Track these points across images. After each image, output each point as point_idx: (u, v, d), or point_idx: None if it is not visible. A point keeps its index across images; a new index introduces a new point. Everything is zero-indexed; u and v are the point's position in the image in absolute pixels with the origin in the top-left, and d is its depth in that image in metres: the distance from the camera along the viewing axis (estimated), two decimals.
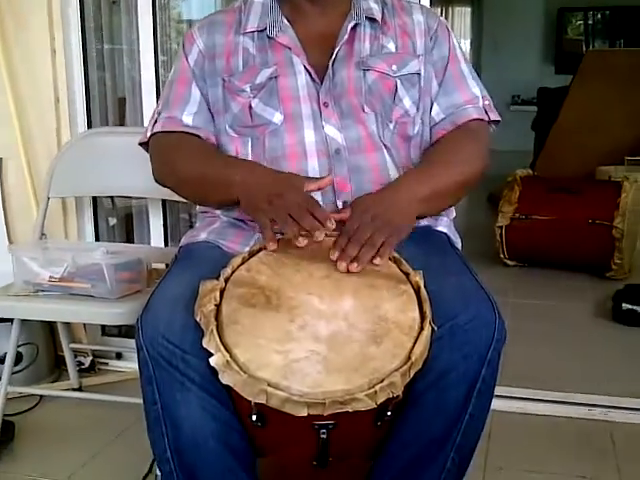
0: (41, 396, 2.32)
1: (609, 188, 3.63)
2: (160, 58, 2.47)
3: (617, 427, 2.14)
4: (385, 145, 1.42)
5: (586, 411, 2.21)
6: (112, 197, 2.71)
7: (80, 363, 2.52)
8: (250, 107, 1.42)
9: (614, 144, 4.50)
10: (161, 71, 2.46)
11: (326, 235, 1.22)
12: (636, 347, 2.75)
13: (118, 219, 2.76)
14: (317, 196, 1.35)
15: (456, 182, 1.39)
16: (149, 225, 2.55)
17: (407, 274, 1.21)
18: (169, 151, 1.47)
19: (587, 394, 2.27)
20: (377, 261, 1.20)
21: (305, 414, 1.02)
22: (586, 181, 4.04)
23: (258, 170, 1.36)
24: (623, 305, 2.97)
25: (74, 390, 2.39)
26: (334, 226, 1.21)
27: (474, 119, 1.47)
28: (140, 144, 1.55)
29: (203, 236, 1.44)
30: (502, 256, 3.81)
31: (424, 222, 1.47)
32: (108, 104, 2.65)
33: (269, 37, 1.45)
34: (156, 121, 1.49)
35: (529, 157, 5.61)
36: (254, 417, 1.10)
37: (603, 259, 3.53)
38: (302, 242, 1.19)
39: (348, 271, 1.18)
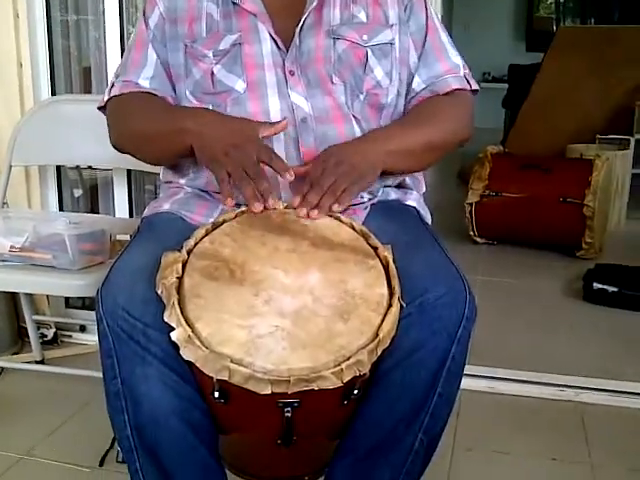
0: (2, 368, 2.29)
1: (581, 166, 3.62)
2: (126, 28, 2.41)
3: (588, 408, 2.14)
4: (354, 116, 1.38)
5: (556, 391, 2.21)
6: (78, 169, 2.66)
7: (43, 335, 2.49)
8: (212, 73, 1.37)
9: (585, 122, 4.51)
10: (127, 42, 2.39)
11: (289, 207, 1.19)
12: (607, 327, 2.76)
13: (84, 191, 2.71)
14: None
15: (427, 143, 1.36)
16: (114, 197, 2.50)
17: (375, 248, 1.18)
18: (124, 111, 1.43)
19: (557, 374, 2.26)
20: (335, 207, 1.18)
21: (269, 392, 0.99)
22: (557, 158, 4.05)
23: (212, 118, 1.32)
24: (594, 284, 2.97)
25: (36, 363, 2.36)
26: (293, 178, 1.18)
27: (455, 89, 1.43)
28: (99, 109, 1.51)
29: (166, 207, 1.40)
30: (471, 233, 3.81)
31: (393, 196, 1.44)
32: (73, 73, 2.58)
33: (234, 3, 1.39)
34: (113, 85, 1.45)
35: (499, 134, 5.62)
36: (216, 394, 1.07)
37: (574, 238, 3.53)
38: (257, 207, 1.16)
39: (308, 217, 1.17)
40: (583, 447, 1.93)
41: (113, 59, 2.40)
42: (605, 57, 4.61)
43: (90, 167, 2.72)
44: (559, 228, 3.55)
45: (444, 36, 1.48)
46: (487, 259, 3.60)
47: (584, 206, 3.44)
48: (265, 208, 1.17)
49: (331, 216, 1.21)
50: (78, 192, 2.70)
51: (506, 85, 6.45)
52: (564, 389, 2.21)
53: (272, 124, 1.29)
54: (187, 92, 1.41)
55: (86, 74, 2.61)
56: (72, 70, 2.57)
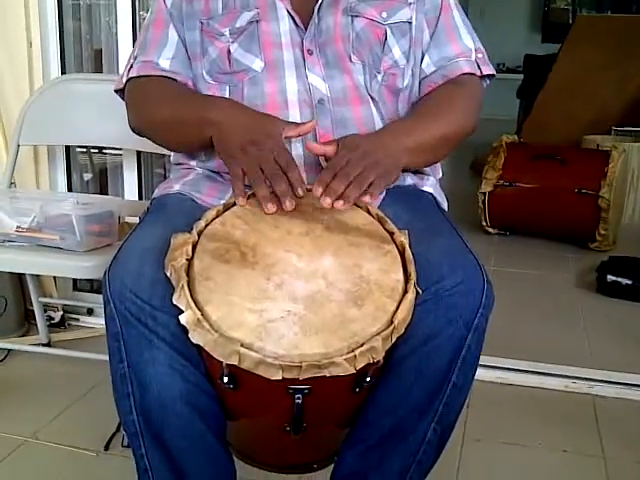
0: (8, 350, 2.27)
1: (597, 157, 3.58)
2: (138, 13, 2.38)
3: (600, 401, 2.11)
4: (372, 97, 1.35)
5: (569, 383, 2.17)
6: (89, 152, 2.64)
7: (50, 318, 2.47)
8: (229, 52, 1.34)
9: (601, 113, 4.46)
10: (138, 25, 2.37)
11: (307, 190, 1.15)
12: (620, 319, 2.72)
13: (93, 174, 2.69)
14: (299, 150, 1.29)
15: (442, 137, 1.33)
16: (123, 181, 2.47)
17: (391, 233, 1.15)
18: (144, 96, 1.39)
19: (570, 366, 2.23)
20: (367, 199, 1.12)
21: (280, 377, 0.97)
22: (573, 149, 3.99)
23: (235, 109, 1.28)
24: (608, 277, 2.94)
25: (43, 345, 2.34)
26: (304, 194, 1.14)
27: (465, 73, 1.40)
28: (116, 91, 1.47)
29: (176, 188, 1.37)
30: (484, 223, 3.76)
31: (409, 181, 1.41)
32: (84, 55, 2.55)
33: None
34: (131, 66, 1.41)
35: (513, 125, 5.56)
36: (225, 379, 1.05)
37: (587, 230, 3.49)
38: (270, 209, 1.12)
39: (332, 207, 1.10)
40: (595, 440, 1.90)
41: (125, 43, 2.37)
42: (623, 47, 4.54)
43: (100, 151, 2.70)
44: (573, 219, 3.51)
45: (458, 17, 1.44)
46: (499, 250, 3.56)
47: (599, 198, 3.39)
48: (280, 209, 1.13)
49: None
50: (87, 176, 2.69)
51: (520, 76, 6.39)
52: (576, 381, 2.17)
53: (298, 124, 1.25)
54: (204, 72, 1.37)
55: (97, 57, 2.58)
56: (83, 52, 2.54)
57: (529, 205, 3.58)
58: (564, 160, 3.57)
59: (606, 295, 2.93)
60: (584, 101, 4.48)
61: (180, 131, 1.33)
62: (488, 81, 1.46)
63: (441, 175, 1.50)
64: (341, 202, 1.10)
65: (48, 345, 2.35)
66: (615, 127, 4.34)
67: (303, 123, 1.26)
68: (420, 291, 1.08)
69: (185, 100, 1.34)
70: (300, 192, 1.13)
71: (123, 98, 1.45)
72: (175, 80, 1.38)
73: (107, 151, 2.70)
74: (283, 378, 0.97)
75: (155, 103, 1.36)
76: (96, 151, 2.77)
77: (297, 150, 1.29)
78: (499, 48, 7.67)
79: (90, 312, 2.53)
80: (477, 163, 4.73)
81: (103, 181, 2.70)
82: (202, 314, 1.00)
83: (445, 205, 1.45)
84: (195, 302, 1.01)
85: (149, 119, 1.38)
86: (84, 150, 2.70)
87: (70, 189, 2.51)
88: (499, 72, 7.95)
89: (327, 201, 1.10)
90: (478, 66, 1.42)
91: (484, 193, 3.68)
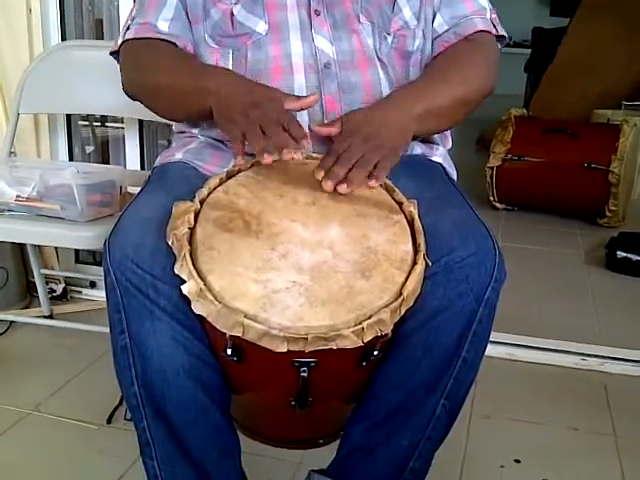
0: (10, 322, 2.26)
1: (607, 131, 3.52)
2: None
3: (611, 378, 2.08)
4: (381, 60, 1.30)
5: (579, 360, 2.15)
6: (91, 125, 2.60)
7: (52, 290, 2.44)
8: (232, 14, 1.29)
9: (611, 88, 4.39)
10: None
11: (309, 158, 1.12)
12: (630, 295, 2.69)
13: (95, 146, 2.65)
14: (304, 116, 1.25)
15: (455, 101, 1.28)
16: (125, 152, 2.43)
17: (400, 203, 1.11)
18: (140, 59, 1.35)
19: (580, 343, 2.20)
20: (373, 183, 1.09)
21: (285, 350, 0.94)
22: (583, 123, 3.93)
23: (235, 79, 1.24)
24: (618, 253, 2.91)
25: (45, 317, 2.32)
26: (309, 146, 1.11)
27: (480, 31, 1.34)
28: (111, 54, 1.43)
29: (178, 156, 1.33)
30: (491, 199, 3.72)
31: (418, 151, 1.37)
32: (84, 25, 2.49)
33: None
34: (128, 28, 1.36)
35: (520, 101, 5.48)
36: (229, 351, 1.02)
37: (597, 205, 3.44)
38: (267, 158, 1.08)
39: (335, 191, 1.08)
40: (606, 417, 1.87)
41: (126, 13, 2.29)
42: (634, 21, 4.46)
43: (102, 123, 2.67)
44: (582, 195, 3.46)
45: None
46: (507, 225, 3.51)
47: (609, 172, 3.34)
48: (277, 160, 1.08)
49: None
50: (89, 148, 2.65)
51: (527, 50, 6.28)
52: (586, 358, 2.14)
53: (299, 97, 1.20)
54: (206, 35, 1.33)
55: (98, 26, 2.53)
56: (83, 23, 2.49)
57: (538, 180, 3.53)
58: (574, 134, 3.51)
59: (616, 271, 2.90)
60: (594, 76, 4.41)
61: (175, 99, 1.29)
62: (500, 45, 1.41)
63: (451, 146, 1.46)
64: (344, 185, 1.08)
65: (50, 317, 2.34)
66: (626, 102, 4.28)
67: (305, 96, 1.21)
68: (430, 263, 1.04)
69: (182, 67, 1.30)
70: (304, 144, 1.09)
71: (118, 60, 1.40)
72: (173, 44, 1.34)
73: (109, 124, 2.67)
74: (288, 350, 0.95)
75: (150, 68, 1.32)
76: (98, 124, 2.74)
77: (302, 119, 1.24)
78: (506, 21, 7.40)
79: (92, 285, 2.51)
80: (483, 138, 4.68)
81: (105, 152, 2.66)
82: (205, 284, 0.97)
83: (455, 176, 1.41)
84: (197, 272, 0.98)
85: (144, 83, 1.34)
86: (86, 123, 2.67)
87: (71, 160, 2.47)
88: (506, 46, 7.90)
89: (329, 184, 1.08)
90: (493, 25, 1.37)
91: (492, 167, 3.63)
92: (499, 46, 1.40)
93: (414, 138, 1.25)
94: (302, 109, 1.20)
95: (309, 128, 1.21)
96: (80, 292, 2.52)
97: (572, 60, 4.60)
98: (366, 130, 1.14)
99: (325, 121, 1.25)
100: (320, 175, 1.09)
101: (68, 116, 2.42)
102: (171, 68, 1.30)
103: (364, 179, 1.09)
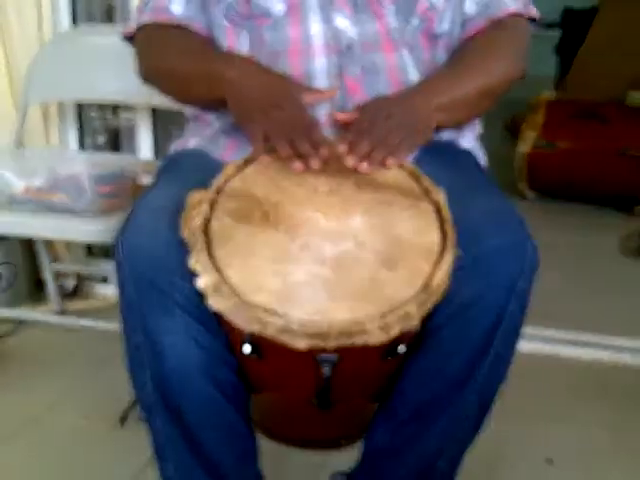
0: (20, 320, 2.22)
1: None
2: None
3: None
4: (406, 43, 1.25)
5: (615, 355, 2.08)
6: (104, 115, 2.55)
7: (63, 286, 2.40)
8: None
9: None
10: None
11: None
12: None
13: (107, 136, 2.61)
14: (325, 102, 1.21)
15: (481, 92, 1.24)
16: (138, 144, 2.39)
17: (427, 191, 1.06)
18: (156, 43, 1.32)
19: (614, 336, 2.14)
20: (390, 161, 1.06)
21: (305, 346, 0.91)
22: (618, 107, 3.79)
23: (251, 69, 1.20)
24: None
25: (56, 314, 2.28)
26: (327, 154, 1.07)
27: (512, 14, 1.29)
28: (124, 39, 1.39)
29: (193, 143, 1.30)
30: (521, 187, 3.59)
31: (446, 137, 1.32)
32: (95, 11, 2.42)
33: None
34: (142, 11, 1.33)
35: (550, 84, 5.37)
36: (247, 348, 0.98)
37: (632, 193, 3.34)
38: (298, 167, 1.05)
39: (356, 170, 1.05)
40: None
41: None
42: None
43: (114, 113, 2.62)
44: (616, 182, 3.35)
45: None
46: (538, 215, 3.38)
47: None
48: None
49: None
50: (101, 138, 2.61)
51: (557, 32, 6.20)
52: (621, 352, 2.08)
53: (318, 91, 1.19)
54: (221, 16, 1.28)
55: (109, 11, 2.47)
56: (94, 9, 2.42)
57: (570, 167, 3.40)
58: (608, 119, 3.41)
59: None
60: (628, 56, 4.28)
61: (194, 86, 1.26)
62: (532, 27, 1.36)
63: (480, 132, 1.41)
64: (365, 164, 1.05)
65: (61, 314, 2.30)
66: None
67: (323, 91, 1.19)
68: (458, 253, 0.99)
69: (200, 54, 1.27)
70: (324, 152, 1.06)
71: (132, 45, 1.38)
72: (188, 27, 1.30)
73: (122, 115, 2.62)
74: (309, 347, 0.91)
75: (168, 54, 1.29)
76: (111, 116, 2.70)
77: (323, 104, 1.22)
78: (536, 3, 7.47)
79: (105, 280, 2.47)
80: (512, 124, 4.57)
81: (117, 142, 2.61)
82: (221, 278, 0.93)
83: (484, 162, 1.37)
84: (213, 265, 0.94)
85: (162, 69, 1.31)
86: (98, 114, 2.63)
87: (82, 150, 2.43)
88: (536, 28, 7.78)
89: (351, 160, 1.06)
90: (524, 6, 1.32)
91: (521, 154, 3.51)
92: (531, 27, 1.35)
93: (440, 129, 1.22)
94: (321, 102, 1.18)
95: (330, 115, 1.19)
96: (92, 288, 2.48)
97: (604, 41, 4.47)
98: (390, 110, 1.13)
99: (348, 105, 1.21)
100: (343, 149, 1.06)
101: (79, 105, 2.38)
102: (188, 53, 1.27)
103: (387, 157, 1.07)
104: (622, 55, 4.21)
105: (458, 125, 1.30)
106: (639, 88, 4.00)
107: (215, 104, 1.25)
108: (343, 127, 1.17)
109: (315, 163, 1.05)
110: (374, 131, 1.08)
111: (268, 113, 1.11)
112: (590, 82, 4.16)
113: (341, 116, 1.17)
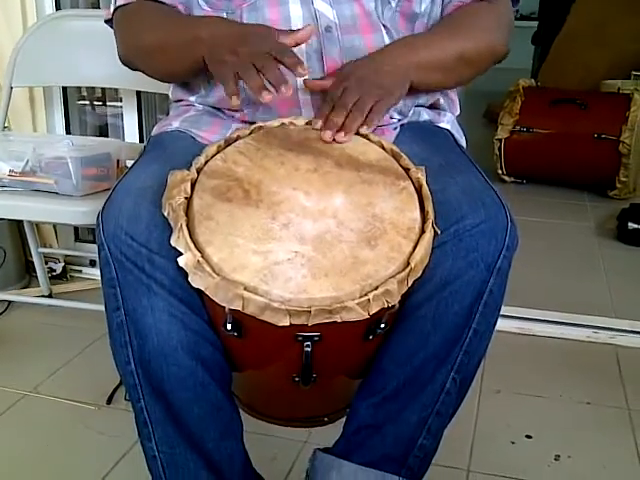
0: (9, 302, 2.23)
1: (617, 101, 3.45)
2: None
3: (623, 351, 2.04)
4: (384, 25, 1.24)
5: (590, 333, 2.11)
6: (92, 104, 2.54)
7: (51, 269, 2.41)
8: None
9: (620, 58, 4.30)
10: None
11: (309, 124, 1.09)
12: None
13: (93, 121, 2.60)
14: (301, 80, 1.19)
15: (461, 54, 1.23)
16: (124, 128, 2.37)
17: (407, 169, 1.06)
18: (131, 22, 1.30)
19: (592, 316, 2.16)
20: (364, 130, 1.08)
21: (287, 324, 0.90)
22: (593, 93, 3.85)
23: (226, 24, 1.18)
24: (629, 224, 2.86)
25: (44, 297, 2.28)
26: (307, 72, 1.06)
27: None
28: (106, 22, 1.38)
29: (175, 125, 1.29)
30: (500, 172, 3.66)
31: (425, 117, 1.32)
32: None
33: None
34: None
35: (527, 75, 5.39)
36: (229, 326, 0.97)
37: (607, 177, 3.39)
38: (266, 96, 1.02)
39: (334, 141, 1.07)
40: (619, 391, 1.83)
41: None
42: None
43: (102, 102, 2.61)
44: (592, 166, 3.41)
45: None
46: (516, 198, 3.43)
47: (620, 143, 3.29)
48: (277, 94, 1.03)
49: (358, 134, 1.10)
50: (88, 124, 2.60)
51: (534, 24, 6.20)
52: (598, 331, 2.10)
53: (293, 31, 1.13)
54: None
55: None
56: None
57: (547, 152, 3.47)
58: (584, 104, 3.45)
59: (627, 243, 2.87)
60: (603, 46, 4.33)
61: (171, 54, 1.22)
62: (514, 6, 1.35)
63: (459, 112, 1.41)
64: (342, 134, 1.07)
65: (49, 297, 2.30)
66: (635, 72, 4.20)
67: (298, 30, 1.13)
68: (438, 231, 1.00)
69: (172, 21, 1.25)
70: (301, 71, 1.04)
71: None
72: (164, 4, 1.28)
73: (108, 100, 2.61)
74: (291, 324, 0.91)
75: (143, 27, 1.27)
76: (100, 103, 2.68)
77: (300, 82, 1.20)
78: None
79: (93, 263, 2.47)
80: (491, 111, 4.60)
81: (104, 128, 2.61)
82: (202, 256, 0.93)
83: (463, 142, 1.37)
84: (195, 243, 0.94)
85: (138, 45, 1.28)
86: (85, 103, 2.62)
87: (69, 134, 2.42)
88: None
89: (328, 134, 1.07)
90: None
91: (500, 140, 3.57)
92: (513, 7, 1.35)
93: (413, 89, 1.20)
94: (297, 44, 1.13)
95: (304, 83, 1.18)
96: (80, 271, 2.48)
97: (580, 31, 4.52)
98: (361, 72, 1.13)
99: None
100: (318, 125, 1.08)
101: (64, 90, 2.37)
102: (162, 24, 1.25)
103: (360, 125, 1.08)
104: (597, 45, 4.25)
105: (431, 89, 1.29)
106: (613, 77, 4.03)
107: (197, 69, 1.20)
108: (318, 94, 1.17)
109: (285, 88, 1.02)
110: (346, 99, 1.08)
111: (237, 52, 1.07)
112: (565, 71, 4.20)
113: (314, 83, 1.16)
